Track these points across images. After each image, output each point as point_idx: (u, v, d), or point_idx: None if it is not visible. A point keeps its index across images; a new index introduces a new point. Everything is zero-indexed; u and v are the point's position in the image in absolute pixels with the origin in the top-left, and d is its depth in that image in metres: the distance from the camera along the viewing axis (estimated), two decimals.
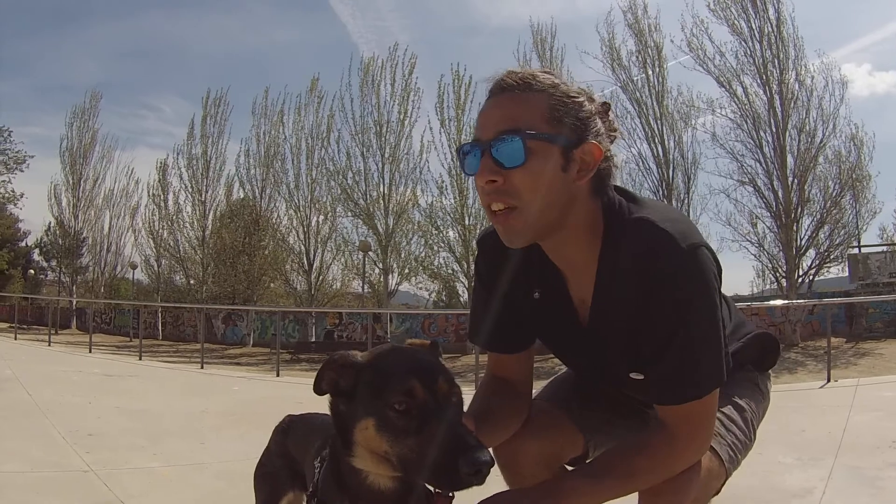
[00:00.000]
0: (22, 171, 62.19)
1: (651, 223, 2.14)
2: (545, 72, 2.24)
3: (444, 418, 1.76)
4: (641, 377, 2.29)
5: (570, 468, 2.69)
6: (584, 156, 2.17)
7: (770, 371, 2.90)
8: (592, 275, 2.29)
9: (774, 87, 32.84)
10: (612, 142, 2.34)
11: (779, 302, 29.30)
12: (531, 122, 2.12)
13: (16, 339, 27.39)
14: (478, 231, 40.25)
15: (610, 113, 2.37)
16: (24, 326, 42.12)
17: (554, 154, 2.13)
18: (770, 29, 33.00)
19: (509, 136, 2.10)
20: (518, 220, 2.17)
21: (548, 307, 2.45)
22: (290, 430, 2.70)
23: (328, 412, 2.05)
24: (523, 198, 2.14)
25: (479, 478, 1.68)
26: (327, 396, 2.02)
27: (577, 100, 2.20)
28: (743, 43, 33.56)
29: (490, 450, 2.35)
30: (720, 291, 2.25)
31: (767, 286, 36.45)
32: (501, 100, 2.20)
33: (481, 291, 2.63)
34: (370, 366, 1.92)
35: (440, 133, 41.47)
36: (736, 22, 33.66)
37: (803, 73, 33.10)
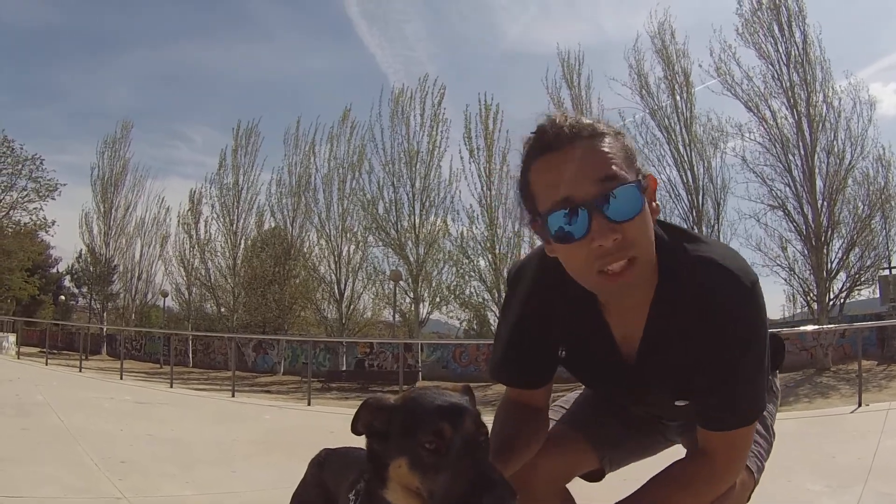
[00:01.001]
0: (54, 198, 62.60)
1: (715, 262, 2.13)
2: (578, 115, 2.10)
3: (471, 456, 1.84)
4: (686, 403, 2.31)
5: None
6: (652, 186, 2.11)
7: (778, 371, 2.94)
8: (643, 310, 2.25)
9: (802, 109, 32.82)
10: None
11: (810, 328, 29.15)
12: (621, 165, 2.02)
13: (46, 364, 27.48)
14: (508, 261, 40.45)
15: None
16: (55, 352, 42.27)
17: (644, 203, 2.04)
18: (797, 52, 33.09)
19: (622, 185, 1.97)
20: (637, 271, 2.06)
21: (584, 348, 2.42)
22: (326, 463, 2.73)
23: (362, 447, 2.13)
24: (640, 246, 2.05)
25: None
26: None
27: (627, 142, 2.10)
28: (770, 66, 33.67)
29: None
30: None
31: (798, 310, 36.25)
32: (578, 150, 2.01)
33: (508, 329, 2.54)
34: (402, 408, 1.99)
35: (469, 163, 41.54)
36: (763, 46, 33.80)
37: (831, 94, 33.21)
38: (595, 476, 2.78)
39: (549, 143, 2.03)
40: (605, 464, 2.75)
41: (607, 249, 1.99)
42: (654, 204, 2.11)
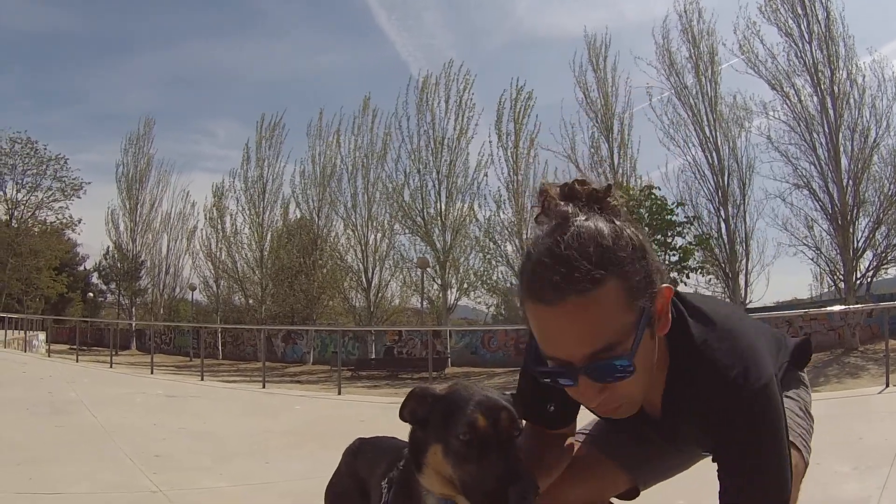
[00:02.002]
0: (79, 197, 63.13)
1: (720, 365, 2.03)
2: (565, 218, 1.86)
3: (502, 450, 1.92)
4: (709, 454, 2.24)
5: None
6: (661, 307, 1.95)
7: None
8: (659, 390, 2.19)
9: (826, 87, 32.65)
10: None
11: (837, 307, 29.00)
12: (619, 324, 1.82)
13: (77, 361, 27.48)
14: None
15: (611, 195, 1.96)
16: (85, 348, 42.42)
17: (646, 334, 1.89)
18: (819, 29, 32.89)
19: (611, 359, 1.83)
20: (629, 408, 2.05)
21: None
22: (360, 452, 2.78)
23: (395, 436, 2.32)
24: (631, 395, 1.99)
25: None
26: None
27: (630, 246, 1.85)
28: (793, 44, 33.53)
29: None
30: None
31: (825, 290, 36.11)
32: (573, 309, 1.78)
33: (528, 375, 2.42)
34: (445, 399, 2.08)
35: (498, 148, 41.68)
36: (786, 23, 33.61)
37: (855, 71, 33.10)
38: (629, 494, 2.76)
39: (539, 294, 1.83)
40: (639, 483, 2.73)
41: (593, 402, 2.01)
42: (660, 321, 1.97)
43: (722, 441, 2.06)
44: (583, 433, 2.78)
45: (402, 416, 2.14)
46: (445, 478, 2.00)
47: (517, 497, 1.83)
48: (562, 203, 1.91)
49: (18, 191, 61.83)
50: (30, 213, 62.84)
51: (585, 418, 2.57)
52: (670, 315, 2.02)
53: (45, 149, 61.17)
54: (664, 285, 1.94)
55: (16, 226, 61.73)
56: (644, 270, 1.86)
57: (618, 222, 1.87)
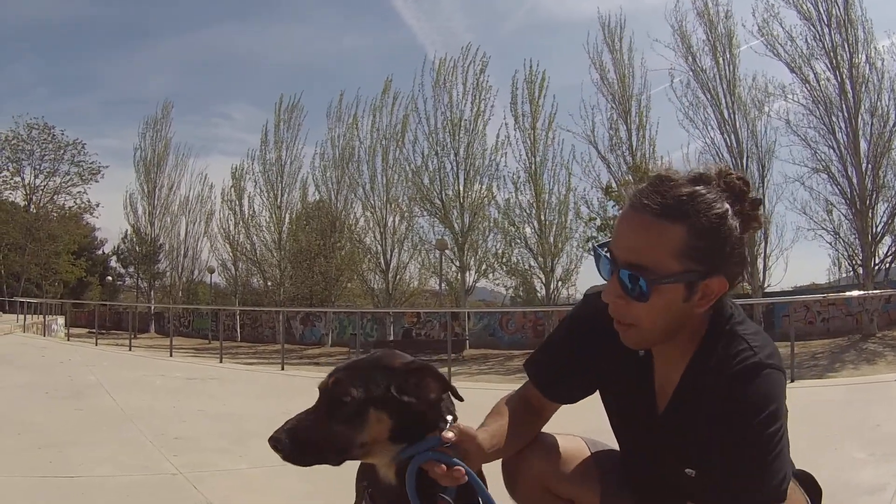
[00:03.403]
0: (97, 181, 63.37)
1: (741, 337, 2.22)
2: (696, 181, 2.15)
3: (315, 409, 2.29)
4: (694, 474, 2.29)
5: None
6: (709, 286, 2.15)
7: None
8: (681, 369, 2.34)
9: (845, 70, 32.60)
10: (750, 231, 2.25)
11: (855, 293, 28.93)
12: (660, 260, 2.10)
13: (96, 344, 27.40)
14: (554, 227, 40.46)
15: (760, 209, 2.24)
16: (104, 332, 42.51)
17: (678, 290, 2.14)
18: (838, 12, 32.76)
19: (635, 272, 2.12)
20: (636, 336, 2.26)
21: (625, 385, 2.51)
22: None
23: None
24: (642, 324, 2.21)
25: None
26: None
27: (721, 227, 2.10)
28: (812, 27, 33.42)
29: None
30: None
31: (844, 274, 35.99)
32: (638, 220, 2.14)
33: (559, 340, 2.70)
34: None
35: (514, 129, 41.82)
36: (804, 6, 33.49)
37: (874, 55, 32.94)
38: None
39: (632, 199, 2.18)
40: None
41: (611, 304, 2.24)
42: (701, 299, 2.17)
43: (723, 410, 2.13)
44: (591, 441, 2.85)
45: None
46: None
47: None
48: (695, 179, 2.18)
49: (36, 176, 62.25)
50: (48, 199, 63.24)
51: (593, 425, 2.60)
52: (713, 304, 2.22)
53: (63, 134, 61.48)
54: (722, 278, 2.15)
55: (34, 211, 62.08)
56: (716, 252, 2.11)
57: (731, 210, 2.13)
